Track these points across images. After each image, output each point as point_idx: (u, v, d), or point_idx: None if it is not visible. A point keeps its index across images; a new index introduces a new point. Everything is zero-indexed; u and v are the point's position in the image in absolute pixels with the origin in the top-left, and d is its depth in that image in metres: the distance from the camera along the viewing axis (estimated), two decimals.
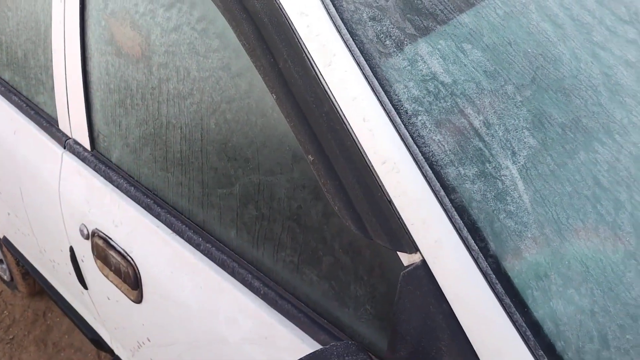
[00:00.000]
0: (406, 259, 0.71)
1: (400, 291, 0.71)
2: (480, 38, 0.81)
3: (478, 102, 0.76)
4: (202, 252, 1.00)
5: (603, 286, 0.68)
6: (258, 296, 0.92)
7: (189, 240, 1.03)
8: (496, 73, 0.79)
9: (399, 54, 0.76)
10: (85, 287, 1.42)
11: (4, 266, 2.34)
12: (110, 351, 1.58)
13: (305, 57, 0.76)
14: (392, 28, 0.78)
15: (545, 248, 0.68)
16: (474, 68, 0.78)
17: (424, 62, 0.77)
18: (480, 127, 0.74)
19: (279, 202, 0.87)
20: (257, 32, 0.80)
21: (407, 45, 0.77)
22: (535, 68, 0.81)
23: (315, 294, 0.86)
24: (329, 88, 0.74)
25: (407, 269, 0.70)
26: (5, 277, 2.43)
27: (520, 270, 0.67)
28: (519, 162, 0.73)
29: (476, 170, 0.71)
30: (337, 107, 0.74)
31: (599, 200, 0.73)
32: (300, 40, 0.77)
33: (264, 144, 0.87)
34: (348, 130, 0.73)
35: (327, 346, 0.68)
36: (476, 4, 0.84)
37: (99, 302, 1.40)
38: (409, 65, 0.76)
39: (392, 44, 0.77)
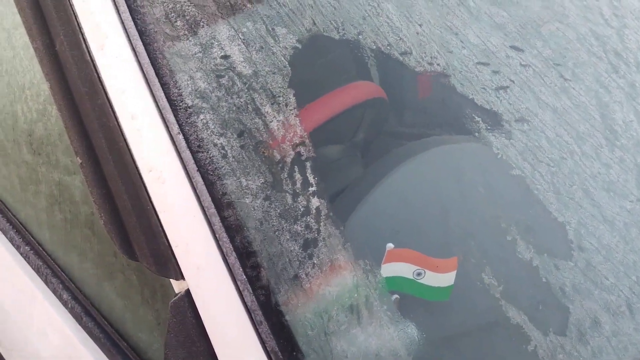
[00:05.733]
0: (176, 285, 0.60)
1: (169, 323, 0.60)
2: (301, 21, 0.68)
3: (281, 98, 0.64)
4: (21, 254, 0.89)
5: (396, 325, 0.57)
6: (67, 309, 0.81)
7: (11, 241, 0.91)
8: (312, 64, 0.67)
9: (191, 38, 0.64)
10: None
11: None
12: None
13: (82, 39, 0.64)
14: (189, 6, 0.65)
15: (332, 278, 0.57)
16: (283, 57, 0.66)
17: (221, 48, 0.64)
18: (278, 129, 0.62)
19: (77, 207, 0.76)
20: (35, 7, 0.68)
21: (203, 27, 0.65)
22: (362, 59, 0.68)
23: (115, 312, 0.75)
24: (102, 77, 0.62)
25: (175, 299, 0.59)
26: None
27: (296, 305, 0.56)
28: (319, 174, 0.61)
29: (262, 182, 0.59)
30: (110, 100, 0.62)
31: (412, 221, 0.62)
32: (77, 19, 0.64)
33: (60, 138, 0.75)
34: (120, 129, 0.61)
35: None
36: None
37: None
38: (200, 52, 0.63)
39: (183, 25, 0.64)
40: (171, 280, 0.60)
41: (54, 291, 0.83)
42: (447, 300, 0.65)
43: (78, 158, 0.64)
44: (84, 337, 0.78)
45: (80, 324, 0.79)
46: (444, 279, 0.64)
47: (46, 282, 0.85)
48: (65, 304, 0.81)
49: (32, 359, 0.88)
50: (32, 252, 0.88)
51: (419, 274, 0.64)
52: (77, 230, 0.77)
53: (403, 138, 0.86)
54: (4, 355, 1.40)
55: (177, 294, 0.59)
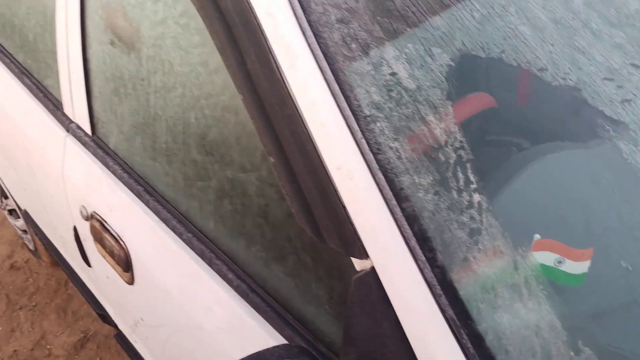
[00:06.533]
0: (358, 264, 0.72)
1: (352, 295, 0.72)
2: (452, 42, 0.80)
3: (442, 109, 0.75)
4: (184, 240, 1.04)
5: (552, 301, 0.68)
6: (232, 287, 0.95)
7: (173, 229, 1.06)
8: (464, 79, 0.78)
9: (364, 58, 0.76)
10: (89, 265, 1.48)
11: (29, 236, 2.45)
12: (114, 325, 1.65)
13: (272, 59, 0.77)
14: (360, 31, 0.77)
15: (496, 261, 0.68)
16: (440, 73, 0.77)
17: (389, 66, 0.76)
18: (441, 135, 0.73)
19: (250, 199, 0.89)
20: (227, 31, 0.81)
21: (373, 48, 0.77)
22: (506, 75, 0.79)
23: (282, 289, 0.88)
24: (291, 91, 0.75)
25: (358, 275, 0.71)
26: (30, 247, 2.54)
27: (467, 282, 0.67)
28: (477, 173, 0.72)
29: (432, 179, 0.71)
30: (299, 110, 0.74)
31: (555, 215, 0.72)
32: (267, 42, 0.77)
33: (237, 141, 0.89)
34: (308, 134, 0.74)
35: (270, 347, 0.70)
36: (452, 5, 0.82)
37: (101, 279, 1.46)
38: (372, 70, 0.75)
39: (357, 48, 0.76)
40: (353, 259, 0.72)
41: (219, 272, 0.97)
42: (580, 285, 0.75)
43: (271, 158, 0.77)
44: (250, 311, 0.91)
45: (246, 300, 0.92)
46: (581, 267, 0.74)
47: (210, 264, 0.99)
48: (230, 282, 0.95)
49: (195, 331, 1.02)
50: (194, 238, 1.02)
51: (559, 262, 0.74)
52: (248, 219, 0.90)
53: (509, 145, 0.96)
54: (125, 332, 1.56)
55: (360, 271, 0.71)
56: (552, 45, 0.83)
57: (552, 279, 0.74)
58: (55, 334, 2.36)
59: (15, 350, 2.30)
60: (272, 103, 0.77)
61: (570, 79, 0.81)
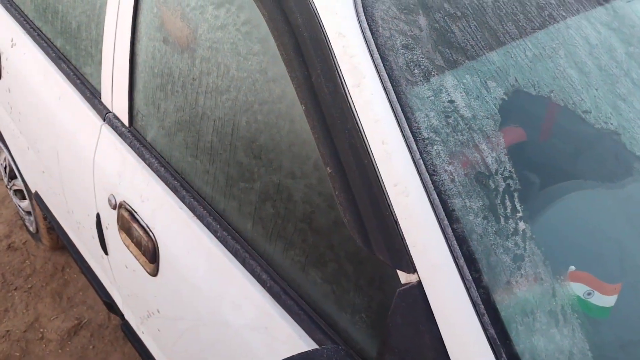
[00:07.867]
0: (404, 277, 0.76)
1: (395, 306, 0.76)
2: (506, 77, 0.85)
3: (494, 139, 0.80)
4: (218, 238, 1.07)
5: (585, 330, 0.72)
6: (264, 288, 0.98)
7: (208, 226, 1.09)
8: (515, 113, 0.82)
9: (425, 84, 0.80)
10: (106, 253, 1.50)
11: (32, 218, 2.45)
12: (120, 315, 1.66)
13: (337, 75, 0.81)
14: (422, 58, 0.82)
15: (535, 287, 0.73)
16: (495, 106, 0.82)
17: (448, 94, 0.81)
18: (492, 164, 0.78)
19: (295, 205, 0.93)
20: (295, 45, 0.85)
21: (433, 76, 0.81)
22: (553, 113, 0.84)
23: (317, 294, 0.92)
24: (354, 107, 0.79)
25: (404, 287, 0.75)
26: (31, 229, 2.54)
27: (509, 304, 0.71)
28: (524, 202, 0.77)
29: (481, 204, 0.75)
30: (360, 126, 0.78)
31: (594, 248, 0.76)
32: (334, 59, 0.82)
33: (289, 149, 0.92)
34: (367, 149, 0.78)
35: (319, 348, 0.73)
36: (507, 43, 0.87)
37: (117, 268, 1.48)
38: (432, 96, 0.80)
39: (419, 73, 0.81)
40: (399, 272, 0.76)
41: (252, 272, 1.00)
42: (606, 318, 0.79)
43: (328, 168, 0.81)
44: (281, 312, 0.95)
45: (278, 301, 0.96)
46: (609, 300, 0.79)
47: (243, 263, 1.02)
48: (263, 283, 0.98)
49: (219, 327, 1.05)
50: (229, 237, 1.05)
51: (589, 294, 0.78)
52: (289, 224, 0.94)
53: (552, 179, 1.00)
54: (133, 323, 1.58)
55: (406, 284, 0.75)
56: (596, 90, 0.89)
57: (581, 309, 0.79)
58: (49, 318, 2.36)
59: (8, 331, 2.30)
60: (334, 116, 0.81)
61: (611, 123, 0.87)
